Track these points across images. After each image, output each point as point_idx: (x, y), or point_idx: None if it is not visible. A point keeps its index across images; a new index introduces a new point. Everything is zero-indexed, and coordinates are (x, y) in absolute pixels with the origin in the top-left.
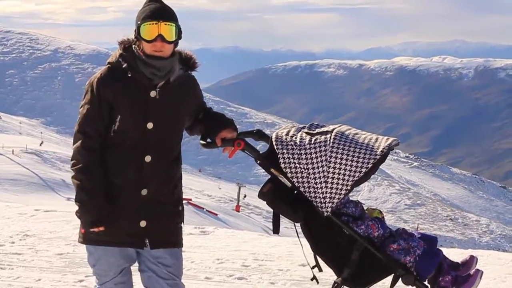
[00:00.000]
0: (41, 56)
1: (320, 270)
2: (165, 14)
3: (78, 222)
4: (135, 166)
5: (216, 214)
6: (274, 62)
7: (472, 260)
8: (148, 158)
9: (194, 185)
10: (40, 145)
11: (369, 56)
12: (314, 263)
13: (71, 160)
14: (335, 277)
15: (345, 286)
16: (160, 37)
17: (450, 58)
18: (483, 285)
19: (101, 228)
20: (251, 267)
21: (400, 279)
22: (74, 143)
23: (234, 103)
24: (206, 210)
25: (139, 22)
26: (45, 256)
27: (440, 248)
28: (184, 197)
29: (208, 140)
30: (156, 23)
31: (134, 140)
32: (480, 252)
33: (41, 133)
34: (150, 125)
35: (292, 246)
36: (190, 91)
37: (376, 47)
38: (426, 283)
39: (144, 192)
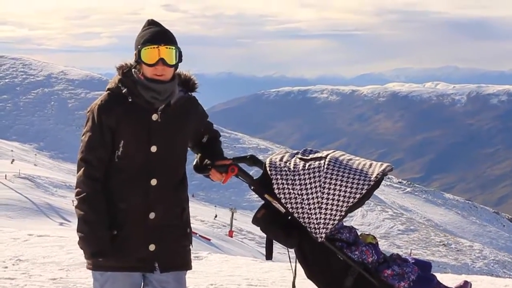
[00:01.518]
0: (34, 81)
1: None
2: (166, 38)
3: (71, 247)
4: (142, 190)
5: (209, 239)
6: (267, 88)
7: (466, 285)
8: (154, 182)
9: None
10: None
11: (362, 82)
12: None
13: (75, 188)
14: None
15: None
16: (162, 61)
17: (442, 84)
18: None
19: (101, 259)
20: None
21: None
22: (77, 172)
23: (228, 128)
24: (199, 235)
25: (139, 46)
26: (38, 281)
27: (434, 274)
28: None
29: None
30: (157, 47)
31: (139, 164)
32: (473, 278)
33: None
34: (154, 149)
35: (286, 272)
36: (192, 112)
37: (369, 73)
38: None
39: (152, 215)
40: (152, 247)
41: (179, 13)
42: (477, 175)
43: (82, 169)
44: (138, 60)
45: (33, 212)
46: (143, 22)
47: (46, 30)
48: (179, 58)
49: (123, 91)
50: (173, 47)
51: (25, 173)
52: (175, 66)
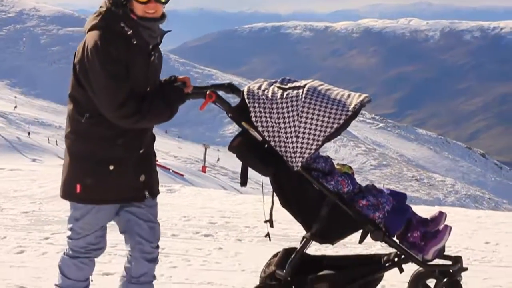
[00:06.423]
0: (6, 17)
1: (272, 226)
2: None
3: (43, 181)
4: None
5: (182, 175)
6: (240, 24)
7: (441, 216)
8: None
9: (160, 146)
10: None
11: (336, 18)
12: (268, 218)
13: (141, 118)
14: (303, 233)
15: (313, 241)
16: None
17: (416, 20)
18: (451, 241)
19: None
20: (217, 224)
21: (369, 235)
22: (128, 118)
23: (201, 64)
24: (172, 171)
25: None
26: (10, 214)
27: (409, 205)
28: None
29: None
30: None
31: None
32: (447, 209)
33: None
34: (148, 90)
35: (258, 203)
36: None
37: (343, 9)
38: (395, 239)
39: (142, 150)
40: (142, 178)
41: None
42: (450, 111)
43: (125, 109)
44: None
45: (5, 149)
46: None
47: None
48: None
49: (128, 33)
50: None
51: None
52: (166, 3)
